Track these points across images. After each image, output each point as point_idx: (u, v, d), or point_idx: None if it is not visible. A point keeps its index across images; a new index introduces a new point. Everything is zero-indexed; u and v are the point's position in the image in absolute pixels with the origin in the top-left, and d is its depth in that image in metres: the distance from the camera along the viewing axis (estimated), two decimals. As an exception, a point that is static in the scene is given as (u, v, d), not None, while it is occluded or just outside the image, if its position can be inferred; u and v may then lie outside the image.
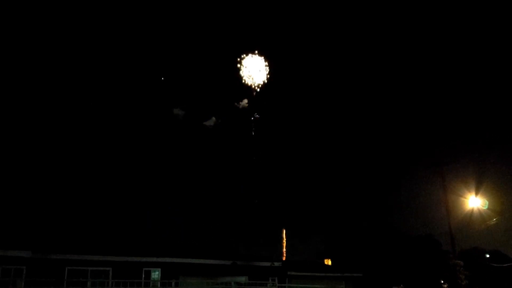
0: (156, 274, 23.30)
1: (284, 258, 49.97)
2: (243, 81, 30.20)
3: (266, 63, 30.02)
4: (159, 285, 22.99)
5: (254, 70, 29.94)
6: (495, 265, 47.33)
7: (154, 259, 23.36)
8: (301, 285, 28.41)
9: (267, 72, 30.42)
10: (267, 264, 29.36)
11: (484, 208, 32.81)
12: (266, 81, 30.30)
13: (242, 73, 29.90)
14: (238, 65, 29.72)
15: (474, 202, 32.29)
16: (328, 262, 46.67)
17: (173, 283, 22.11)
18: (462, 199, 32.97)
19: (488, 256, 53.57)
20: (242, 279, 25.94)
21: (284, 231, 56.78)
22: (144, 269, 22.89)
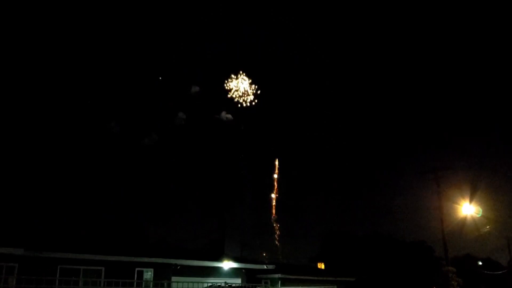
0: (148, 275, 23.24)
1: (277, 261, 49.97)
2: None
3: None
4: (151, 285, 22.92)
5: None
6: (488, 272, 47.51)
7: (147, 259, 23.30)
8: (293, 289, 28.45)
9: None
10: (260, 266, 29.37)
11: (478, 215, 32.95)
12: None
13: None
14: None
15: (468, 209, 32.42)
16: (322, 266, 46.74)
17: (165, 284, 22.06)
18: (456, 206, 33.11)
19: (480, 263, 53.83)
20: (235, 281, 25.94)
21: (278, 233, 56.85)
22: (136, 269, 22.80)
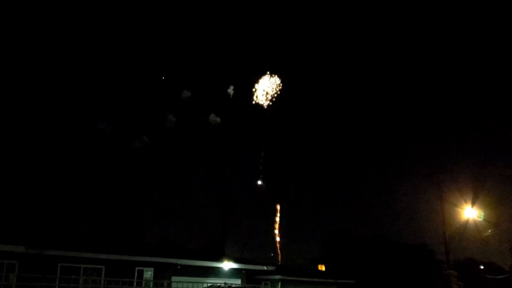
0: (148, 274, 23.24)
1: (278, 263, 49.91)
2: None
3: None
4: (151, 285, 22.92)
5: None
6: (490, 276, 47.25)
7: (147, 259, 23.31)
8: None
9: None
10: (261, 267, 29.34)
11: (480, 219, 32.82)
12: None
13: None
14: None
15: (470, 213, 32.30)
16: (322, 268, 46.66)
17: (165, 283, 22.07)
18: (458, 209, 32.99)
19: (482, 267, 53.57)
20: (235, 281, 25.92)
21: (279, 235, 56.77)
22: (137, 268, 22.81)
